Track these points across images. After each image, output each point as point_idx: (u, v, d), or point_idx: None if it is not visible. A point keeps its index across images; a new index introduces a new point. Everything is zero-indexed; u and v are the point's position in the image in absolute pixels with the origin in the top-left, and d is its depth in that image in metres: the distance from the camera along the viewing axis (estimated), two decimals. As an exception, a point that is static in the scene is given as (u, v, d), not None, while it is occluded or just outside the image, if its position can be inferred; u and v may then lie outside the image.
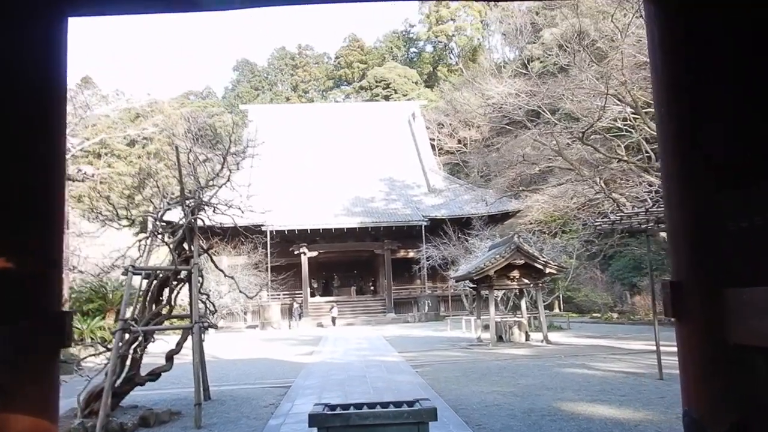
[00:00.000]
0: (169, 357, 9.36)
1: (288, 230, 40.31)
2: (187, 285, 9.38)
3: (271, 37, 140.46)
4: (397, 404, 4.60)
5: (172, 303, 9.39)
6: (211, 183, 9.39)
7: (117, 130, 41.57)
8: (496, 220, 43.08)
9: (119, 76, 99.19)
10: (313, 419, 4.40)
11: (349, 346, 21.72)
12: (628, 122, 15.52)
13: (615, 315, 34.00)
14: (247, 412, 9.18)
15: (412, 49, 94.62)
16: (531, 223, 39.36)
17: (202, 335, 9.54)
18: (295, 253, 42.30)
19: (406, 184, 48.57)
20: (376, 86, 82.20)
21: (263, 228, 39.01)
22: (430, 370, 13.48)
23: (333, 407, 4.76)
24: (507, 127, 37.19)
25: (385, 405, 4.70)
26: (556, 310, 37.80)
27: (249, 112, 57.89)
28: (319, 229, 40.84)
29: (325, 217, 41.80)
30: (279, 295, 42.09)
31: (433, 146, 59.11)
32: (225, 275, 10.87)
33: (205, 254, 10.10)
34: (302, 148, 51.02)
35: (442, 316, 40.13)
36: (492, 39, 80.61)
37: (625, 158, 14.59)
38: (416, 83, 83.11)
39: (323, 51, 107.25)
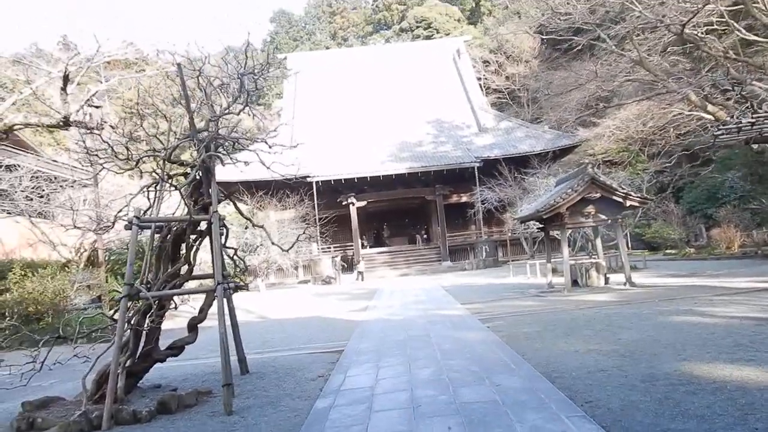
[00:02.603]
0: (193, 326, 7.72)
1: (334, 180, 38.57)
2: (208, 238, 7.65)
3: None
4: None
5: (191, 261, 7.68)
6: (228, 110, 7.49)
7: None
8: (555, 156, 40.38)
9: (156, 36, 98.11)
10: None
11: (406, 299, 20.01)
12: (723, 20, 12.83)
13: (691, 251, 31.24)
14: (290, 389, 7.50)
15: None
16: (592, 156, 36.66)
17: (230, 298, 7.81)
18: (344, 203, 40.71)
19: (455, 125, 45.98)
20: (417, 27, 78.75)
21: (309, 179, 37.49)
22: (503, 324, 11.58)
23: None
24: (562, 56, 34.27)
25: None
26: (628, 250, 35.25)
27: (288, 60, 55.66)
28: (366, 177, 38.97)
29: (372, 165, 39.86)
30: (330, 248, 40.77)
31: (480, 86, 55.93)
32: (253, 224, 9.06)
33: (228, 200, 8.29)
34: (344, 94, 48.87)
35: (501, 262, 38.17)
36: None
37: (734, 56, 11.95)
38: (458, 21, 79.24)
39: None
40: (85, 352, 7.12)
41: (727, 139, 8.06)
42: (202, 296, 8.07)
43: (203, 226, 7.63)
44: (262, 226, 9.25)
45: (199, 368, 9.49)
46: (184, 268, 7.66)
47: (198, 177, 7.48)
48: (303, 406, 6.60)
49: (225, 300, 7.40)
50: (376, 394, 6.75)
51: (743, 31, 13.19)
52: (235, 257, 8.57)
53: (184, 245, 7.58)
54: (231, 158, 7.96)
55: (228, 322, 7.32)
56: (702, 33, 12.45)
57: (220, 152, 7.72)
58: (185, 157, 8.30)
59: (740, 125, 7.35)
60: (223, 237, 7.97)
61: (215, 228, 7.28)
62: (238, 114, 7.67)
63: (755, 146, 13.63)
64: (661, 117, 18.05)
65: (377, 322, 13.96)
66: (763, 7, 11.42)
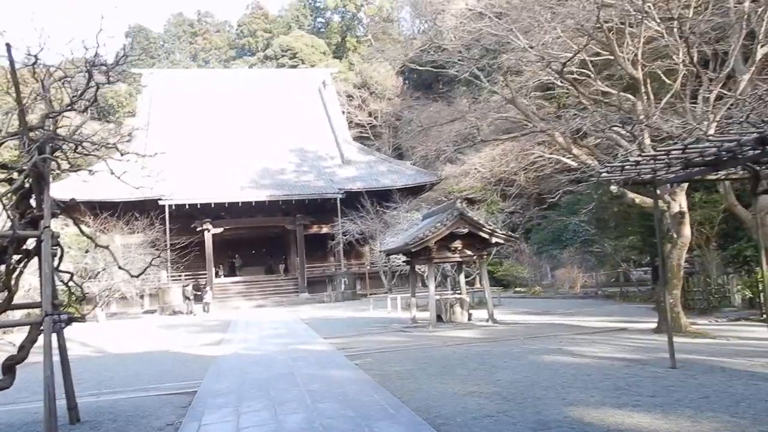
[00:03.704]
0: (9, 367, 6.28)
1: (189, 204, 36.32)
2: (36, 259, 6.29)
3: (167, 2, 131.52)
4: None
5: (12, 287, 6.27)
6: (71, 107, 6.26)
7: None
8: (416, 192, 41.05)
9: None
10: None
11: (264, 332, 18.81)
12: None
13: (539, 289, 32.84)
14: (131, 443, 6.28)
15: (319, 19, 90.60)
16: (451, 193, 37.68)
17: (60, 332, 6.47)
18: (198, 229, 38.38)
19: (318, 155, 45.49)
20: (282, 56, 77.97)
21: (161, 202, 35.03)
22: (372, 362, 10.92)
23: None
24: (423, 96, 35.20)
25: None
26: (477, 285, 36.40)
27: (144, 77, 52.37)
28: (224, 203, 37.18)
29: (231, 191, 38.12)
30: (181, 276, 38.16)
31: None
32: (96, 244, 7.71)
33: (65, 215, 6.93)
34: (204, 116, 46.59)
35: (360, 295, 37.83)
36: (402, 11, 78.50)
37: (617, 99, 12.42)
38: (324, 53, 79.60)
39: (224, 19, 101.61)
40: None
41: (608, 177, 8.10)
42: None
43: (31, 244, 6.27)
44: (106, 247, 7.86)
45: (16, 416, 7.84)
46: (2, 295, 6.23)
47: (27, 184, 6.15)
48: (147, 466, 5.45)
49: (54, 335, 6.08)
50: (239, 448, 5.76)
51: (598, 82, 13.87)
52: (70, 283, 7.19)
53: (3, 266, 6.16)
54: (71, 164, 6.67)
55: (57, 361, 6.00)
56: (576, 75, 12.89)
57: (57, 156, 6.43)
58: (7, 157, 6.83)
59: (624, 164, 7.36)
60: (57, 258, 6.63)
61: (46, 247, 5.97)
62: (84, 111, 6.44)
63: (614, 189, 14.32)
64: (523, 158, 18.66)
65: (234, 357, 12.75)
66: (627, 58, 12.02)
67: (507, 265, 37.53)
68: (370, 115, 64.98)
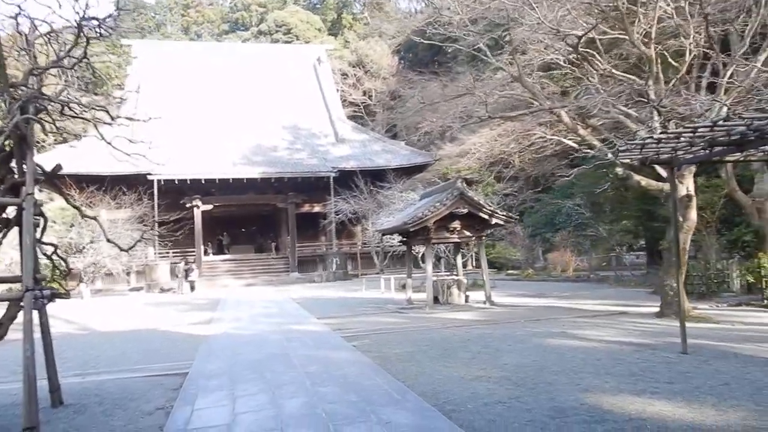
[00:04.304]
0: (-14, 345, 5.83)
1: (179, 180, 35.63)
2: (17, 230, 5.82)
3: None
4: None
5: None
6: (58, 62, 5.74)
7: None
8: (410, 172, 40.57)
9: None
10: None
11: (255, 311, 18.41)
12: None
13: (532, 272, 32.65)
14: (119, 429, 5.85)
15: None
16: (445, 176, 37.25)
17: (43, 309, 6.02)
18: (187, 206, 37.75)
19: (312, 133, 44.83)
20: (277, 31, 76.75)
21: (150, 177, 34.34)
22: (370, 343, 10.55)
23: None
24: (418, 75, 34.53)
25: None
26: (470, 268, 36.11)
27: (134, 48, 51.25)
28: (214, 180, 36.50)
29: (223, 167, 37.47)
30: (169, 253, 37.60)
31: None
32: (82, 215, 7.21)
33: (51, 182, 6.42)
34: (196, 90, 45.70)
35: (351, 275, 37.50)
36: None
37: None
38: (319, 30, 78.41)
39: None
40: None
41: (627, 156, 7.70)
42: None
43: (11, 212, 5.79)
44: (94, 218, 7.35)
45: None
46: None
47: (8, 148, 5.66)
48: (136, 454, 5.06)
49: (36, 312, 5.63)
50: (235, 435, 5.36)
51: (606, 62, 13.43)
52: (54, 257, 6.72)
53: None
54: (57, 128, 6.17)
55: (38, 339, 5.57)
56: (584, 54, 12.42)
57: (41, 118, 5.93)
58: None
59: (645, 141, 6.94)
60: (39, 229, 6.16)
61: (28, 216, 5.50)
62: (72, 68, 5.93)
63: (619, 171, 13.95)
64: (523, 138, 18.23)
65: (225, 337, 12.34)
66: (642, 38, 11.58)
67: (500, 247, 37.32)
68: (364, 94, 64.19)
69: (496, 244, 36.88)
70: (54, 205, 37.88)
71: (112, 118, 6.28)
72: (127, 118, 6.26)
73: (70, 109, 6.10)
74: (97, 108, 6.41)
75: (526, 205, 39.61)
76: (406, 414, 5.73)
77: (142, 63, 47.59)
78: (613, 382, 6.57)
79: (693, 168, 11.53)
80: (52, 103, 5.94)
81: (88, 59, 5.84)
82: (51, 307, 6.54)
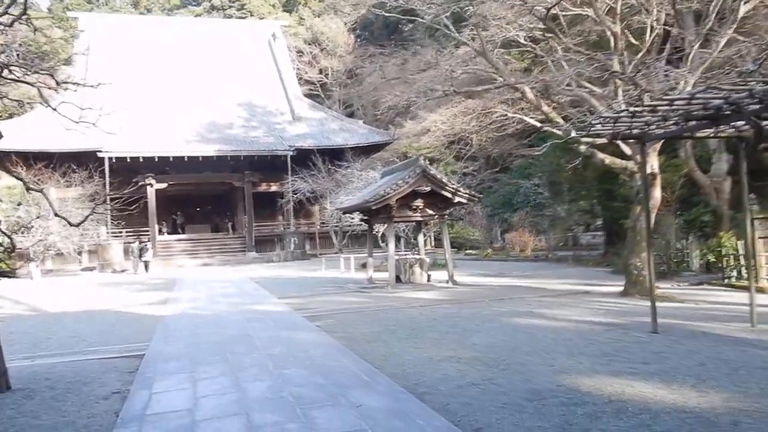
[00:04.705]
0: None
1: (131, 157, 34.44)
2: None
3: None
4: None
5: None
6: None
7: None
8: (368, 151, 40.21)
9: None
10: None
11: (213, 291, 17.94)
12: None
13: (491, 252, 32.84)
14: (72, 415, 5.46)
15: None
16: (404, 155, 37.04)
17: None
18: (140, 184, 36.54)
19: (268, 111, 43.91)
20: (230, 6, 74.89)
21: (100, 154, 33.12)
22: (334, 323, 10.30)
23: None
24: (377, 52, 34.08)
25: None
26: (428, 247, 36.14)
27: (80, 21, 49.11)
28: (168, 157, 35.38)
29: (176, 144, 36.39)
30: (122, 232, 36.44)
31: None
32: (28, 188, 6.66)
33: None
34: (147, 66, 44.09)
35: (310, 255, 37.11)
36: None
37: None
38: (273, 6, 76.77)
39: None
40: None
41: (598, 130, 7.56)
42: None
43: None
44: (40, 190, 6.77)
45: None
46: None
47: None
48: (92, 445, 4.70)
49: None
50: (199, 421, 5.03)
51: (568, 38, 13.35)
52: (-4, 233, 6.22)
53: None
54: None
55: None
56: (546, 31, 12.29)
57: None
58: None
59: (620, 115, 6.82)
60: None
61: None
62: (11, 26, 5.39)
63: (582, 149, 13.94)
64: (484, 116, 18.11)
65: (183, 317, 11.92)
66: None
67: (458, 227, 37.41)
68: (320, 72, 63.20)
69: (455, 224, 36.93)
70: (0, 183, 36.30)
71: (57, 83, 5.77)
72: (74, 84, 5.75)
73: (10, 71, 5.57)
74: (41, 72, 5.89)
75: (485, 185, 39.82)
76: (377, 397, 5.51)
77: (90, 37, 45.58)
78: (587, 363, 6.48)
79: (657, 146, 11.56)
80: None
81: (29, 16, 5.31)
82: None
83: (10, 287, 20.84)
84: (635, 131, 7.62)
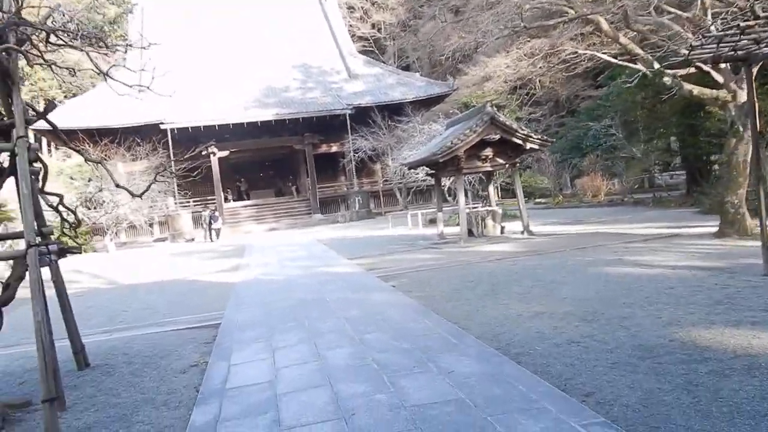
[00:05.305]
0: (-7, 310, 5.18)
1: (192, 127, 34.72)
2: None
3: None
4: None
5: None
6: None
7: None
8: (427, 104, 39.26)
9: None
10: None
11: (283, 254, 17.85)
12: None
13: (562, 199, 31.70)
14: (151, 390, 5.26)
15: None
16: (465, 105, 35.90)
17: (53, 265, 5.34)
18: (203, 153, 36.91)
19: (323, 71, 43.35)
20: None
21: (162, 126, 33.55)
22: (410, 282, 9.88)
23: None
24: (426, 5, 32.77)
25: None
26: (496, 198, 35.22)
27: (133, -7, 49.49)
28: (228, 125, 35.48)
29: (235, 111, 36.41)
30: (189, 202, 37.16)
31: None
32: (86, 159, 6.40)
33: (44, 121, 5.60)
34: (201, 34, 44.18)
35: (375, 214, 36.84)
36: None
37: None
38: (322, -37, 75.27)
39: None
40: None
41: (699, 54, 6.70)
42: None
43: (4, 160, 5.05)
44: (99, 162, 6.52)
45: (16, 362, 6.89)
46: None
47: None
48: (172, 422, 4.44)
49: (44, 269, 4.95)
50: (281, 394, 4.71)
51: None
52: (61, 207, 6.00)
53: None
54: (45, 60, 5.32)
55: (51, 300, 4.91)
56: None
57: (27, 51, 5.08)
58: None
59: (725, 33, 5.95)
60: (40, 179, 5.42)
61: (22, 162, 4.74)
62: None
63: (667, 80, 12.80)
64: (552, 56, 17.00)
65: (255, 284, 11.78)
66: None
67: (526, 175, 36.24)
68: (373, 27, 61.99)
69: (522, 173, 35.78)
70: (71, 161, 37.46)
71: (107, 46, 5.40)
72: (125, 45, 5.38)
73: (57, 37, 5.25)
74: (90, 36, 5.53)
75: (551, 131, 38.30)
76: (468, 361, 5.05)
77: (144, 11, 45.99)
78: (699, 313, 5.80)
79: (754, 71, 10.40)
80: (36, 32, 5.09)
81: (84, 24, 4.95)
82: (75, 262, 5.89)
83: (87, 261, 21.45)
84: (740, 52, 6.70)
